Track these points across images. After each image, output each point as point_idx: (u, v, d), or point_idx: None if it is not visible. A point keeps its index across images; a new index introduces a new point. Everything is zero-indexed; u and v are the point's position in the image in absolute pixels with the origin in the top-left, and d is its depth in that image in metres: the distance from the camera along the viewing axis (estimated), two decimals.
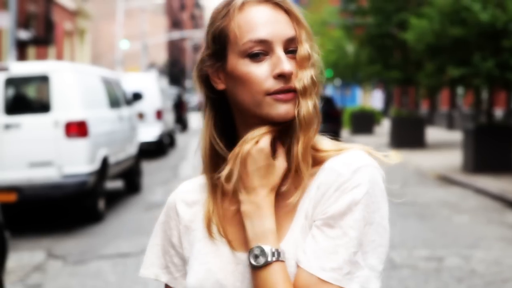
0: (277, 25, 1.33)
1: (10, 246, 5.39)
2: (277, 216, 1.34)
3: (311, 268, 1.25)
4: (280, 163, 1.34)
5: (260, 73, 1.31)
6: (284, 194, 1.35)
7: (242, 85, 1.33)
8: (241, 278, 1.34)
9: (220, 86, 1.37)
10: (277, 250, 1.28)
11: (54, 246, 7.93)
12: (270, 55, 1.32)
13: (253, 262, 1.29)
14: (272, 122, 1.34)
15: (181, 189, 1.49)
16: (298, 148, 1.32)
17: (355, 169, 1.29)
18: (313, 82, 1.34)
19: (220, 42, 1.35)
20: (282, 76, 1.31)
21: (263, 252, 1.28)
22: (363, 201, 1.27)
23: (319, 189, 1.31)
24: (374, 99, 31.92)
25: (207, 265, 1.39)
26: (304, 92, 1.32)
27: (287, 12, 1.35)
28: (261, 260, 1.28)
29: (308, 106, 1.33)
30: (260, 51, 1.32)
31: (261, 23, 1.32)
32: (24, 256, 7.37)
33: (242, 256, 1.34)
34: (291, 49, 1.34)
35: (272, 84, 1.31)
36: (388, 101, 31.66)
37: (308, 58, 1.34)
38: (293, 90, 1.32)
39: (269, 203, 1.32)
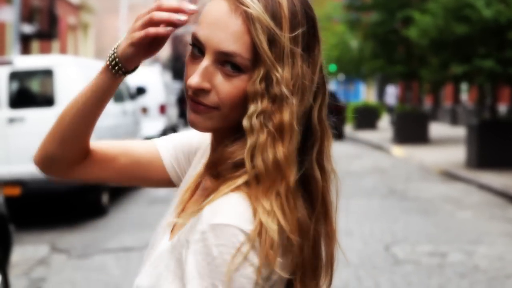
0: (217, 32, 1.12)
1: (14, 240, 5.40)
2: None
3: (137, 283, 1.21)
4: None
5: (189, 71, 1.16)
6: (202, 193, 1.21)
7: None
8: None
9: None
10: None
11: (58, 240, 7.95)
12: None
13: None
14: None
15: None
16: None
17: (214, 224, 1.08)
18: (263, 124, 1.10)
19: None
20: None
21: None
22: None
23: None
24: (388, 96, 31.64)
25: (161, 221, 1.31)
26: (251, 132, 1.11)
27: (249, 21, 1.10)
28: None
29: (267, 156, 1.09)
30: (197, 46, 1.15)
31: (206, 21, 1.14)
32: (28, 250, 7.40)
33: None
34: (234, 62, 1.11)
35: (188, 88, 1.15)
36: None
37: (254, 94, 1.11)
38: (205, 104, 1.14)
39: None
